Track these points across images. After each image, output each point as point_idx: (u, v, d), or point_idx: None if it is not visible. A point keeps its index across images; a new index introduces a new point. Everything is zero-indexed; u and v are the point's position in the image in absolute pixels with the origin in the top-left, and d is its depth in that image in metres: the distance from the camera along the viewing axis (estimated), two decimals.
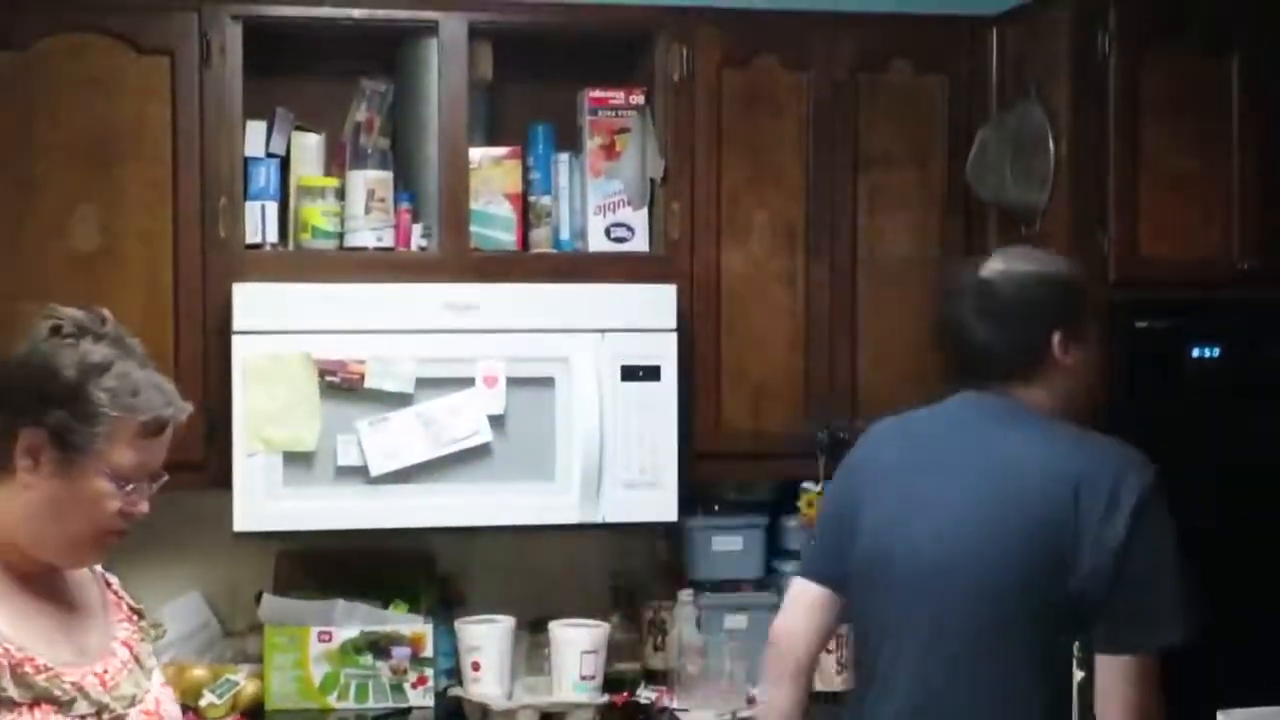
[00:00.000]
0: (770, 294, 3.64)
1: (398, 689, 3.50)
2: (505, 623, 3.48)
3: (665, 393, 3.48)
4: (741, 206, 3.63)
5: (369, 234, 3.50)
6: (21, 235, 3.32)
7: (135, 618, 2.16)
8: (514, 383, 3.41)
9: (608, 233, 3.63)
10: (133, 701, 2.02)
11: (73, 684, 1.94)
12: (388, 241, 3.52)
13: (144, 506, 2.01)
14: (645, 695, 3.59)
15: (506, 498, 3.43)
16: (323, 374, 3.34)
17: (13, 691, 1.87)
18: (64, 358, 1.94)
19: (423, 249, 3.55)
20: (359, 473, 3.36)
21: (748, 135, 3.64)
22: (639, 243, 3.64)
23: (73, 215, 3.35)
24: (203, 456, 3.32)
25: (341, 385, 3.35)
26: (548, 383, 3.43)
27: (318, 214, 3.50)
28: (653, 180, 3.63)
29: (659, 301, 3.50)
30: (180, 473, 3.27)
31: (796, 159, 3.66)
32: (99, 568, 2.17)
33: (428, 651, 3.51)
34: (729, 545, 3.76)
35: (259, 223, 3.47)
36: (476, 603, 3.67)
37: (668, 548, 3.81)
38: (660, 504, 3.49)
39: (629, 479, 3.46)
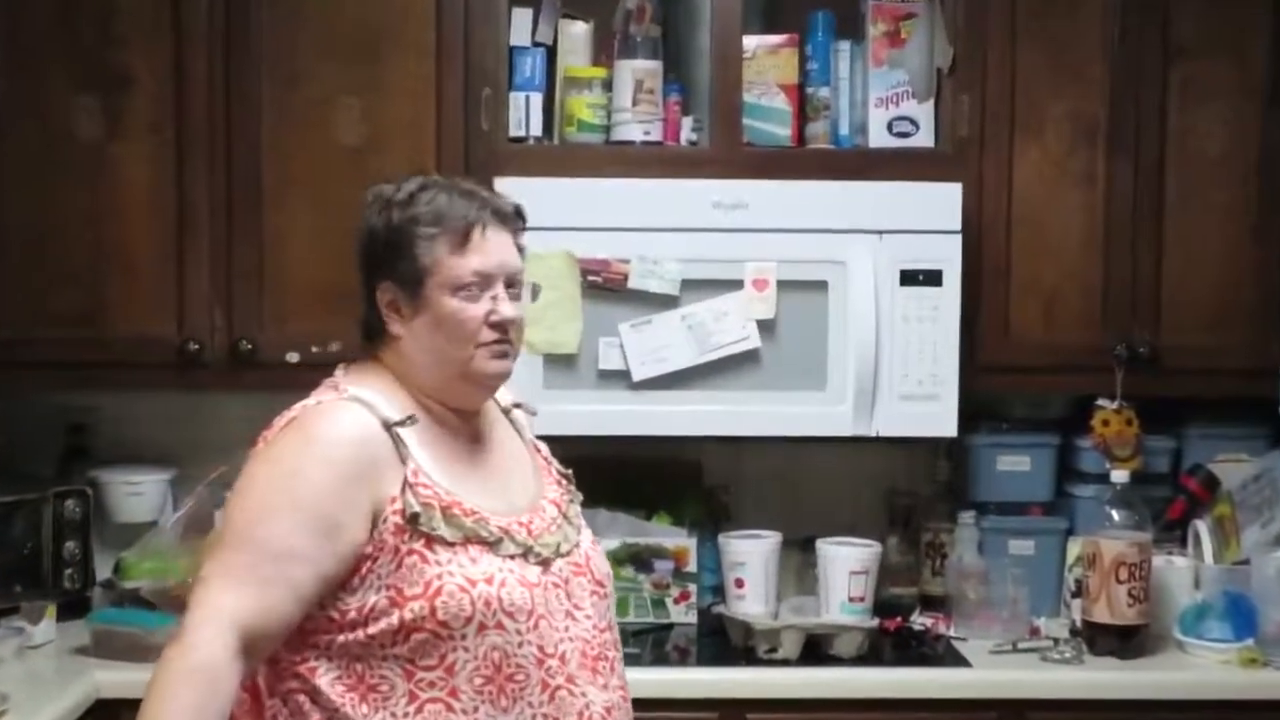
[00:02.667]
0: (1067, 194, 3.41)
1: (659, 604, 3.44)
2: (772, 539, 3.38)
3: (947, 299, 3.31)
4: (1037, 99, 3.40)
5: (636, 127, 3.41)
6: (286, 128, 3.33)
7: (565, 481, 2.32)
8: (785, 286, 3.29)
9: (889, 127, 3.46)
10: (558, 551, 2.15)
11: (499, 527, 2.10)
12: (655, 135, 3.43)
13: (507, 309, 2.13)
14: (920, 621, 3.43)
15: (776, 407, 3.32)
16: (585, 273, 3.28)
17: (444, 530, 2.05)
18: (374, 217, 2.15)
19: (692, 143, 3.46)
20: (621, 377, 3.30)
21: (1046, 21, 3.39)
22: (923, 138, 3.46)
23: (336, 107, 3.33)
24: None
25: (604, 285, 3.28)
26: (821, 286, 3.30)
27: (583, 106, 3.41)
28: (940, 70, 3.43)
29: (943, 201, 3.32)
30: None
31: (1099, 48, 3.40)
32: (530, 436, 2.33)
33: (691, 566, 3.45)
34: (1016, 465, 3.57)
35: (523, 115, 3.40)
36: (743, 517, 3.58)
37: (948, 466, 3.64)
38: (939, 418, 3.33)
39: (906, 390, 3.31)
